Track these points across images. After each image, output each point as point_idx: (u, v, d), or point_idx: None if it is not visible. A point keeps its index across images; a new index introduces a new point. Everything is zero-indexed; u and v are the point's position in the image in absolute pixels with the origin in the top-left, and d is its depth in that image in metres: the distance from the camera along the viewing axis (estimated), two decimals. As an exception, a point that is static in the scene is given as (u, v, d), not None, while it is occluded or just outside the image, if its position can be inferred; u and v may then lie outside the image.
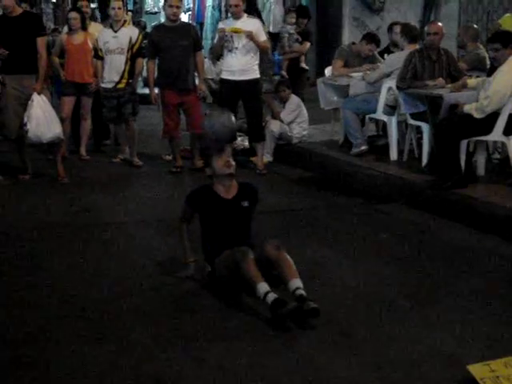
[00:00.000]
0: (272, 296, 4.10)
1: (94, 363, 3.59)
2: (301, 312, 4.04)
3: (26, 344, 3.82)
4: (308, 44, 10.82)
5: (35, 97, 7.36)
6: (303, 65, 10.77)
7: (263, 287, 4.16)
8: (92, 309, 4.27)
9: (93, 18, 10.26)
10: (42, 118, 7.38)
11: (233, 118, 4.86)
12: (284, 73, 10.70)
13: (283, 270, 4.35)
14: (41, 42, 7.47)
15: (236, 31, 7.82)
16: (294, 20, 10.88)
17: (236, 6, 7.89)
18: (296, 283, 4.27)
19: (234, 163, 4.72)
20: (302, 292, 4.21)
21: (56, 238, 5.73)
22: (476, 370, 3.20)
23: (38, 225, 6.10)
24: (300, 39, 10.73)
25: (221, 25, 8.24)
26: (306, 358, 3.64)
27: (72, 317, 4.16)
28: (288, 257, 4.41)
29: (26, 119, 7.36)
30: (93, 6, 9.63)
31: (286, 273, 4.33)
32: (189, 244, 4.80)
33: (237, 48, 7.90)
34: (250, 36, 7.81)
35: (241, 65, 7.95)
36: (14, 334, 3.96)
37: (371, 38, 8.85)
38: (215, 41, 8.35)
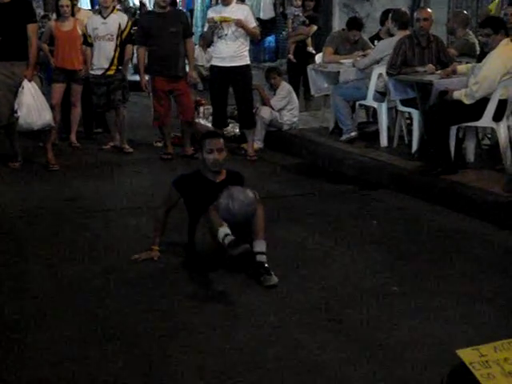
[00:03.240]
0: (229, 238, 4.27)
1: (83, 349, 3.61)
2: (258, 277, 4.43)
3: (17, 330, 3.83)
4: (314, 27, 10.56)
5: (26, 84, 7.33)
6: (310, 49, 10.49)
7: (223, 231, 4.32)
8: (81, 297, 4.28)
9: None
10: (33, 105, 7.36)
11: (250, 198, 4.52)
12: (291, 56, 10.55)
13: (254, 225, 4.51)
14: (31, 29, 7.41)
15: (225, 20, 7.79)
16: (299, 2, 10.72)
17: None
18: (259, 245, 4.49)
19: (222, 158, 4.80)
20: (263, 259, 4.47)
21: (46, 226, 5.72)
22: (465, 354, 3.20)
23: (28, 212, 6.09)
24: (307, 22, 10.54)
25: (210, 13, 8.19)
26: (297, 343, 3.65)
27: (62, 303, 4.18)
28: (262, 213, 4.56)
29: (16, 106, 7.34)
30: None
31: (255, 230, 4.52)
32: (159, 234, 4.92)
33: (227, 35, 7.88)
34: (240, 24, 7.79)
35: (231, 51, 7.93)
36: (7, 320, 3.96)
37: (351, 23, 8.85)
38: (205, 29, 8.31)
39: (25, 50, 7.36)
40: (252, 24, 8.01)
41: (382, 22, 9.07)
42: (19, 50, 7.35)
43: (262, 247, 4.51)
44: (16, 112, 7.34)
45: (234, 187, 4.60)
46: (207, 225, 4.52)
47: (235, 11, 7.90)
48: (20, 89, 7.32)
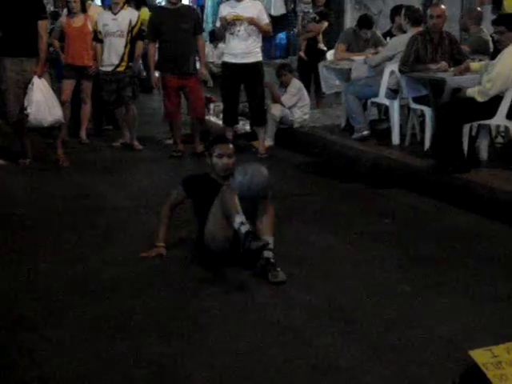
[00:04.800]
0: (245, 227, 4.27)
1: (92, 348, 3.58)
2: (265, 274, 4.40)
3: (27, 328, 3.81)
4: (325, 24, 10.55)
5: (36, 80, 7.31)
6: (321, 46, 10.48)
7: (239, 218, 4.31)
8: (90, 294, 4.26)
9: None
10: (43, 102, 7.34)
11: (265, 171, 4.55)
12: (302, 54, 10.52)
13: (262, 221, 4.51)
14: (42, 25, 7.39)
15: (238, 18, 7.77)
16: None
17: None
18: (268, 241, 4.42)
19: (232, 163, 4.80)
20: (269, 255, 4.42)
21: (57, 223, 5.70)
22: (478, 355, 3.17)
23: (39, 209, 6.07)
24: (317, 18, 10.50)
25: (223, 9, 8.15)
26: (307, 344, 3.62)
27: (73, 301, 4.15)
28: (272, 210, 4.58)
29: (26, 103, 7.32)
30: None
31: (263, 225, 4.51)
32: (164, 230, 4.90)
33: (239, 31, 7.86)
34: (252, 22, 7.77)
35: (243, 48, 7.90)
36: (16, 318, 3.94)
37: (361, 22, 8.85)
38: (217, 24, 8.29)
39: (35, 46, 7.33)
40: (264, 21, 7.98)
41: (393, 18, 9.04)
42: (29, 46, 7.33)
43: (270, 244, 4.47)
44: (26, 109, 7.32)
45: (248, 163, 4.62)
46: (220, 206, 4.49)
47: (248, 7, 7.87)
48: (30, 85, 7.29)
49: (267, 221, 4.53)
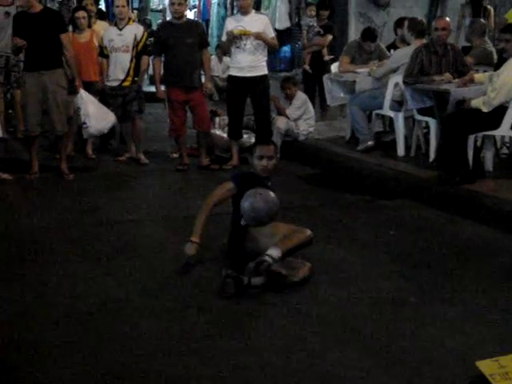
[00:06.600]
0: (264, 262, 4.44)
1: (99, 364, 3.57)
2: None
3: (35, 344, 3.80)
4: (330, 37, 10.59)
5: (83, 93, 7.66)
6: (327, 58, 10.51)
7: (275, 252, 4.50)
8: (101, 307, 4.26)
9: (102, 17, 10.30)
10: (97, 112, 7.73)
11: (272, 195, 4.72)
12: (307, 67, 10.58)
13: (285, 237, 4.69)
14: (65, 39, 7.58)
15: (244, 33, 7.83)
16: (313, 13, 10.78)
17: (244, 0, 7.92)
18: (272, 251, 4.52)
19: (271, 165, 4.95)
20: (267, 259, 4.46)
21: (64, 237, 5.71)
22: (485, 366, 3.18)
23: (46, 224, 6.08)
24: (322, 32, 10.56)
25: (229, 23, 8.20)
26: (316, 356, 3.62)
27: (80, 315, 4.15)
28: (301, 236, 4.79)
29: (83, 118, 7.63)
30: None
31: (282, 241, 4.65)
32: (202, 226, 4.84)
33: (245, 45, 7.91)
34: (259, 37, 7.82)
35: (249, 61, 7.95)
36: (23, 333, 3.94)
37: (365, 34, 8.92)
38: (223, 39, 8.34)
39: (53, 59, 7.48)
40: (270, 34, 8.03)
41: (396, 30, 9.09)
42: (50, 59, 7.46)
43: (274, 253, 4.51)
44: (85, 123, 7.69)
45: (260, 188, 4.74)
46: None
47: (254, 21, 7.94)
48: (80, 100, 7.64)
49: (289, 238, 4.70)
